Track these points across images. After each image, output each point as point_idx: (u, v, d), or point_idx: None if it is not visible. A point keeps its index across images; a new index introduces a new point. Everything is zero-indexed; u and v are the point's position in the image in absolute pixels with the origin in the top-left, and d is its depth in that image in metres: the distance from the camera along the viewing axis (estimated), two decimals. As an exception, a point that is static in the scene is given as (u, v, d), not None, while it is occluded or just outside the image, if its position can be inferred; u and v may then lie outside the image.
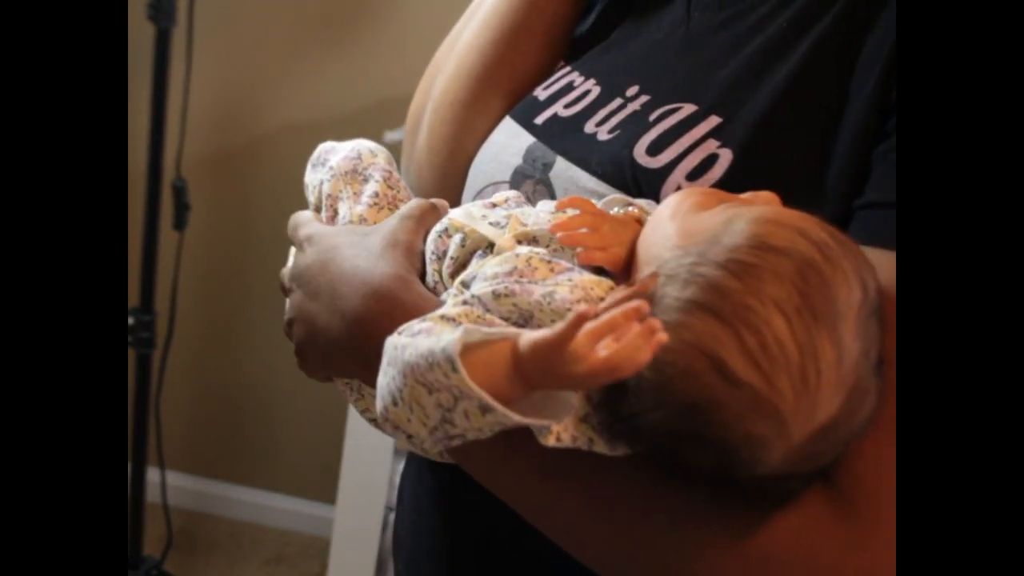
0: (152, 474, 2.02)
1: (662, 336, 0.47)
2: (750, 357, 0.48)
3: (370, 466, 1.85)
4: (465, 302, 0.57)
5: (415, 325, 0.54)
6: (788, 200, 0.55)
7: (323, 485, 2.31)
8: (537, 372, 0.50)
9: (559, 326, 0.48)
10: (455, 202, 0.75)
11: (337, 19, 2.05)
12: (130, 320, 1.86)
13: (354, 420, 1.85)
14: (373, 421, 0.69)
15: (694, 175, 0.62)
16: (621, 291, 0.55)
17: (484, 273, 0.59)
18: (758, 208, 0.54)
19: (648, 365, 0.47)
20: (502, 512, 0.62)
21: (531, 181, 0.71)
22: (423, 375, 0.51)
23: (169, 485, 2.08)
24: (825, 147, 0.59)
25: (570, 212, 0.62)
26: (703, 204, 0.56)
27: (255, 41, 2.12)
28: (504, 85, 0.79)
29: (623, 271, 0.59)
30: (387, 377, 0.53)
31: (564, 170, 0.68)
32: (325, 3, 2.05)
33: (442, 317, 0.55)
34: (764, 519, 0.52)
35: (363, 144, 0.78)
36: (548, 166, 0.70)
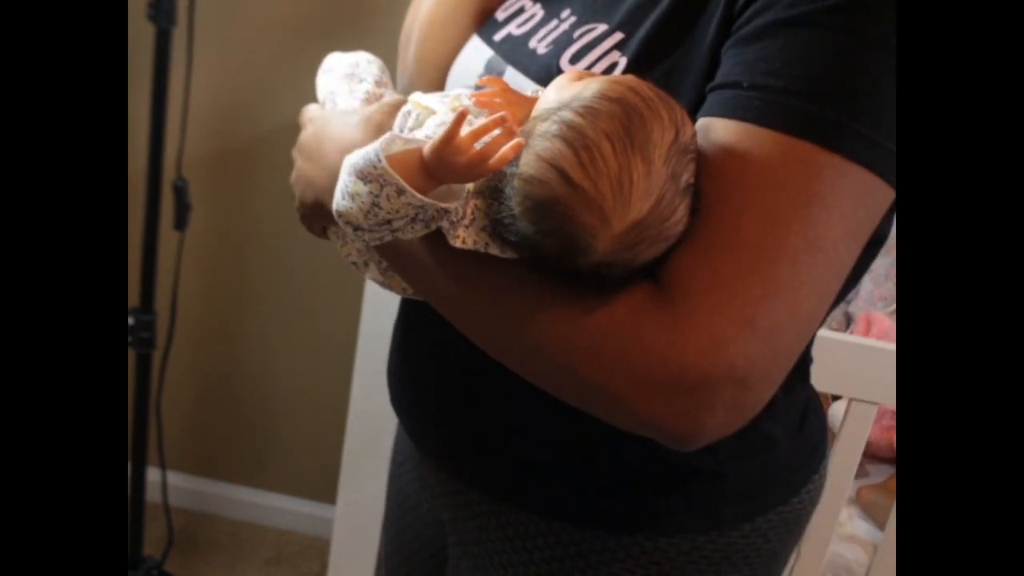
0: (152, 474, 2.02)
1: (520, 140, 0.68)
2: (584, 168, 0.66)
3: (370, 466, 1.85)
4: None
5: (360, 149, 0.72)
6: (664, 91, 0.71)
7: (323, 485, 2.31)
8: (434, 164, 0.69)
9: (447, 124, 0.67)
10: None
11: (337, 19, 2.05)
12: (130, 320, 1.86)
13: (354, 420, 1.85)
14: (354, 265, 0.90)
15: None
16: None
17: (425, 125, 0.79)
18: (609, 76, 0.73)
19: (517, 176, 0.68)
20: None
21: None
22: (360, 170, 0.70)
23: (169, 485, 2.08)
24: (694, 53, 0.77)
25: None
26: (576, 78, 0.75)
27: (255, 41, 2.12)
28: (477, 7, 0.99)
29: None
30: (341, 181, 0.72)
31: (512, 77, 0.88)
32: (325, 3, 2.05)
33: None
34: (603, 302, 0.69)
35: (362, 55, 1.00)
36: (501, 74, 0.89)
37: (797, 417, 0.95)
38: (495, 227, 0.72)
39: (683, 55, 0.78)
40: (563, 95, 0.72)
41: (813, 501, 0.99)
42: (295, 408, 2.34)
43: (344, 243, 0.90)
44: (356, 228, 0.73)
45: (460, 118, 0.68)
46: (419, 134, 0.78)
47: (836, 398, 1.79)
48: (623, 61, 0.80)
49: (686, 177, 0.68)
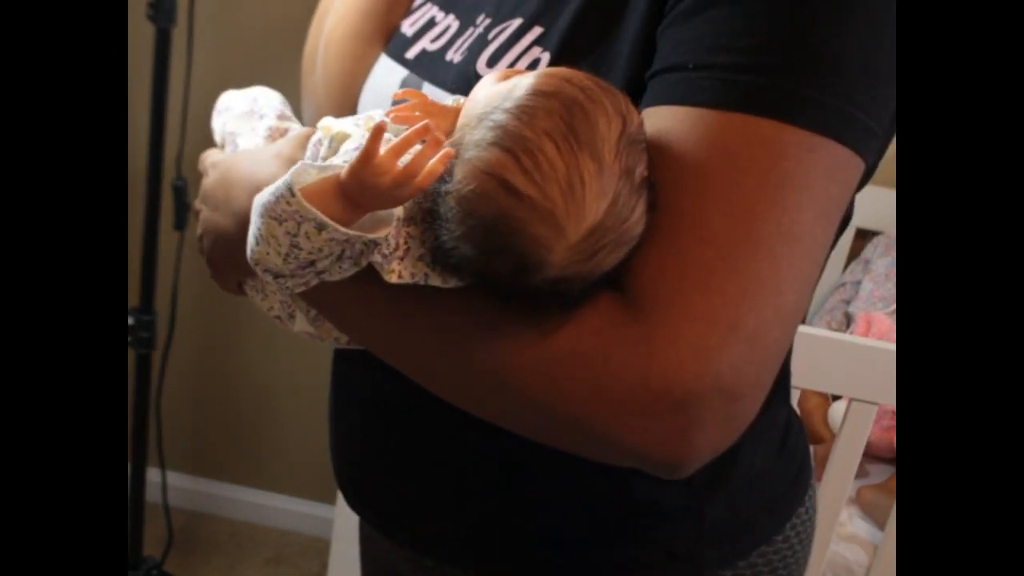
0: (152, 474, 2.02)
1: (450, 150, 0.61)
2: (528, 175, 0.59)
3: (370, 466, 1.84)
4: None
5: (270, 186, 0.64)
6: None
7: (323, 485, 2.31)
8: (355, 190, 0.61)
9: (364, 143, 0.60)
10: None
11: (337, 19, 2.05)
12: (130, 320, 1.86)
13: (354, 420, 1.85)
14: (277, 319, 0.81)
15: None
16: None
17: (340, 152, 0.71)
18: (539, 70, 0.66)
19: (453, 193, 0.61)
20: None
21: None
22: (272, 208, 0.62)
23: (169, 485, 2.08)
24: (621, 40, 0.70)
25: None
26: (504, 76, 0.68)
27: (255, 41, 2.11)
28: (385, 20, 0.91)
29: None
30: (253, 225, 0.64)
31: (431, 93, 0.79)
32: (325, 3, 2.05)
33: None
34: (565, 322, 0.63)
35: (259, 90, 0.93)
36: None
37: (777, 438, 0.87)
38: (434, 254, 0.65)
39: (612, 43, 0.71)
40: (491, 98, 0.65)
41: (802, 543, 0.89)
42: (295, 408, 2.34)
43: (264, 296, 0.81)
44: (277, 275, 0.66)
45: (377, 133, 0.60)
46: (335, 161, 0.69)
47: (836, 398, 1.79)
48: (546, 56, 0.73)
49: (640, 171, 0.62)
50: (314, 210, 0.61)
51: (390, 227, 0.64)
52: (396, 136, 0.68)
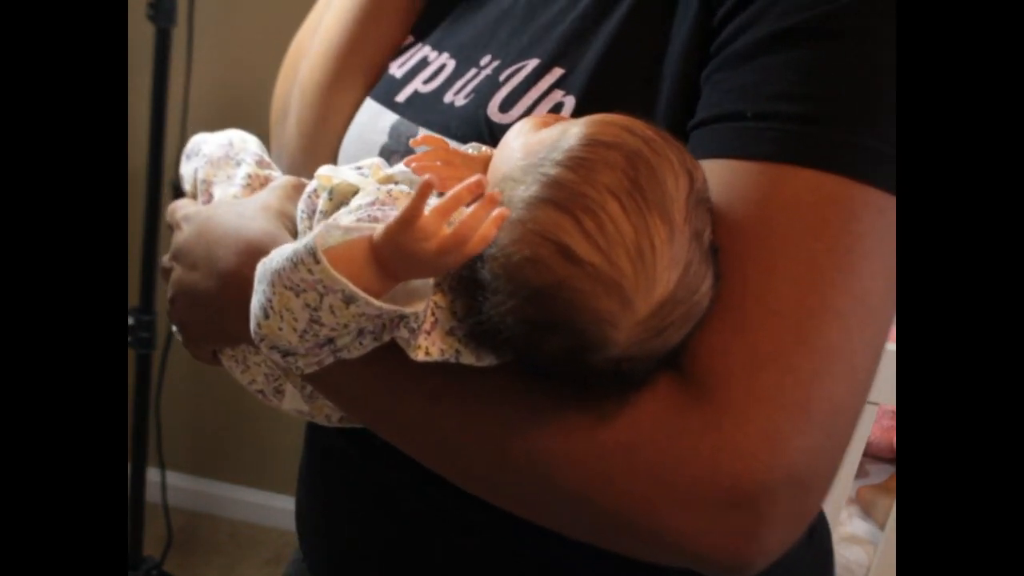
0: (152, 474, 2.02)
1: (504, 210, 0.52)
2: (590, 238, 0.52)
3: (370, 466, 1.84)
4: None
5: (282, 248, 0.57)
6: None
7: (323, 485, 2.31)
8: (392, 257, 0.53)
9: (406, 202, 0.52)
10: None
11: (337, 19, 2.05)
12: (130, 320, 1.86)
13: (354, 420, 1.85)
14: (260, 393, 0.72)
15: None
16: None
17: (348, 208, 0.62)
18: (590, 116, 0.58)
19: (500, 258, 0.52)
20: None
21: (397, 155, 0.73)
22: (289, 277, 0.53)
23: (169, 485, 2.08)
24: (657, 82, 0.63)
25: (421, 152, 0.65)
26: (543, 124, 0.60)
27: (255, 41, 2.11)
28: (366, 62, 0.81)
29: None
30: (257, 295, 0.56)
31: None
32: (325, 3, 2.05)
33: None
34: (621, 408, 0.55)
35: (234, 133, 0.82)
36: (413, 138, 0.72)
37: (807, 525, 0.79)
38: (469, 329, 0.56)
39: (647, 86, 0.63)
40: (533, 147, 0.57)
41: None
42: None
43: (245, 368, 0.71)
44: (286, 353, 0.57)
45: (424, 191, 0.52)
46: (344, 219, 0.60)
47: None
48: (569, 101, 0.65)
49: (707, 234, 0.55)
50: (343, 279, 0.52)
51: (426, 298, 0.55)
52: (408, 184, 0.63)
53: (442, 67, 0.75)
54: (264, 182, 0.76)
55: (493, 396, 0.58)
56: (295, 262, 0.53)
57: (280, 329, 0.55)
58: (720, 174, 0.57)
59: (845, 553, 1.58)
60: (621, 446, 0.55)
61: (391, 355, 0.57)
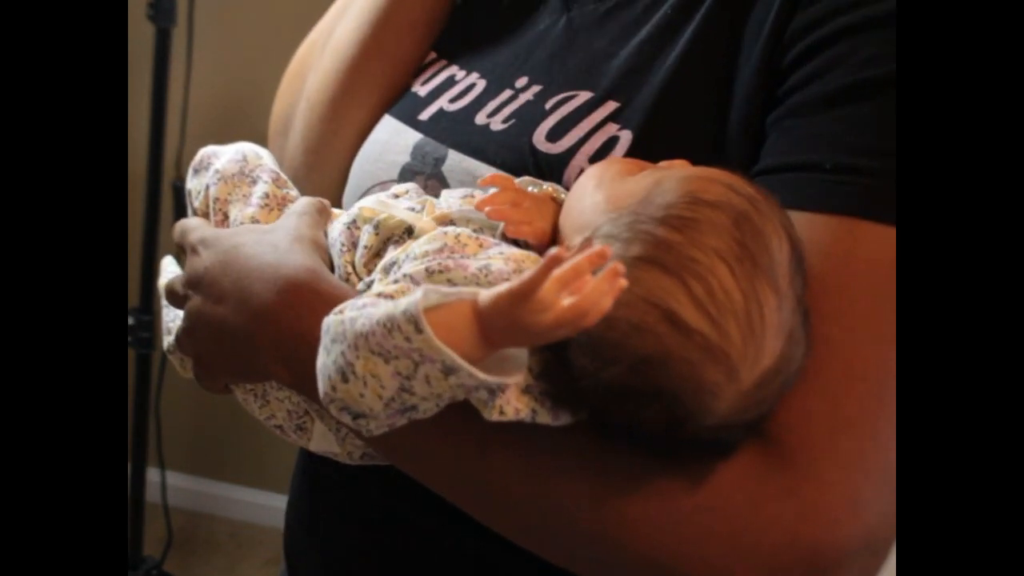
0: (152, 474, 2.02)
1: (624, 281, 0.47)
2: (699, 305, 0.49)
3: (370, 466, 1.84)
4: (396, 281, 0.57)
5: (356, 302, 0.54)
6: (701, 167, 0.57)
7: (323, 485, 2.31)
8: (501, 327, 0.49)
9: (527, 274, 0.48)
10: (336, 203, 0.75)
11: (337, 19, 2.05)
12: (130, 320, 1.86)
13: (354, 420, 1.85)
14: (278, 428, 0.68)
15: (596, 157, 0.63)
16: (571, 252, 0.54)
17: (412, 253, 0.58)
18: (683, 168, 0.56)
19: (601, 323, 0.48)
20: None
21: (421, 177, 0.70)
22: (379, 343, 0.49)
23: (169, 485, 2.08)
24: (719, 121, 0.61)
25: (483, 193, 0.62)
26: (627, 171, 0.57)
27: (255, 41, 2.11)
28: (381, 79, 0.77)
29: (546, 246, 0.61)
30: (332, 355, 0.52)
31: (459, 162, 0.68)
32: (325, 3, 2.05)
33: (379, 295, 0.55)
34: (700, 474, 0.53)
35: (247, 147, 0.77)
36: (440, 160, 0.69)
37: None
38: (554, 390, 0.54)
39: (707, 127, 0.61)
40: (620, 198, 0.54)
41: None
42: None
43: (264, 404, 0.68)
44: (359, 416, 0.53)
45: (551, 264, 0.48)
46: (410, 266, 0.57)
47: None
48: (625, 135, 0.63)
49: (803, 298, 0.53)
50: (448, 351, 0.48)
51: (524, 367, 0.52)
52: (466, 223, 0.60)
53: (471, 86, 0.72)
54: (282, 202, 0.72)
55: (567, 457, 0.56)
56: (389, 328, 0.49)
57: (361, 396, 0.52)
58: (797, 227, 0.55)
59: (845, 553, 1.58)
60: (700, 510, 0.53)
61: (456, 411, 0.54)
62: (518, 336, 0.50)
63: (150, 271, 1.86)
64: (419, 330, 0.48)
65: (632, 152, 0.62)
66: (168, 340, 0.68)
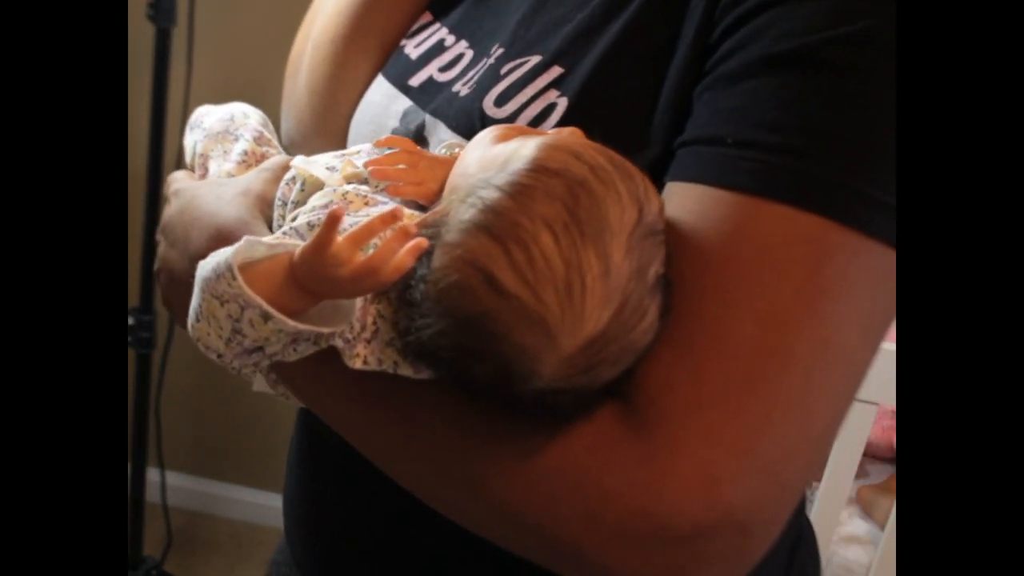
0: (152, 474, 2.02)
1: (422, 240, 0.51)
2: (518, 271, 0.50)
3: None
4: (284, 233, 0.61)
5: (224, 250, 0.56)
6: (617, 144, 0.56)
7: (323, 485, 2.31)
8: (308, 279, 0.53)
9: (318, 231, 0.52)
10: (339, 146, 0.77)
11: (337, 19, 2.05)
12: (130, 320, 1.86)
13: (354, 420, 1.85)
14: (234, 370, 0.71)
15: (534, 123, 0.64)
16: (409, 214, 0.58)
17: (305, 208, 0.63)
18: (546, 137, 0.57)
19: (431, 281, 0.52)
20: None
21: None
22: (213, 287, 0.54)
23: (169, 485, 2.08)
24: (653, 92, 0.60)
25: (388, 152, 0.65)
26: (502, 137, 0.58)
27: (255, 41, 2.12)
28: (380, 24, 0.79)
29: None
30: (195, 298, 0.56)
31: (432, 125, 0.70)
32: (325, 3, 2.06)
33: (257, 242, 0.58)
34: (555, 436, 0.54)
35: (237, 107, 0.81)
36: (421, 127, 0.71)
37: (786, 551, 0.76)
38: (405, 344, 0.56)
39: (641, 97, 0.61)
40: (484, 163, 0.56)
41: None
42: (295, 408, 2.34)
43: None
44: (218, 356, 0.58)
45: (332, 222, 0.52)
46: (301, 219, 0.61)
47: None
48: (562, 102, 0.63)
49: (655, 268, 0.53)
50: (257, 298, 0.52)
51: (348, 319, 0.55)
52: (374, 191, 0.62)
53: (460, 56, 0.73)
54: (260, 159, 0.75)
55: (429, 413, 0.58)
56: (218, 274, 0.53)
57: (208, 334, 0.56)
58: (693, 200, 0.55)
59: (845, 553, 1.58)
60: (553, 472, 0.54)
61: (333, 355, 0.56)
62: (325, 287, 0.53)
63: (150, 271, 1.86)
64: (234, 277, 0.53)
65: (565, 119, 0.63)
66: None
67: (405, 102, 0.74)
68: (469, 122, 0.66)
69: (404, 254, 0.51)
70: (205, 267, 0.55)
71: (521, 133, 0.59)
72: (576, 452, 0.54)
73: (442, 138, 0.68)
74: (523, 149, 0.54)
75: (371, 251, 0.53)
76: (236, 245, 0.53)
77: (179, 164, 1.90)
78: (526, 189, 0.52)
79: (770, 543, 0.55)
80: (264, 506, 2.42)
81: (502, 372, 0.52)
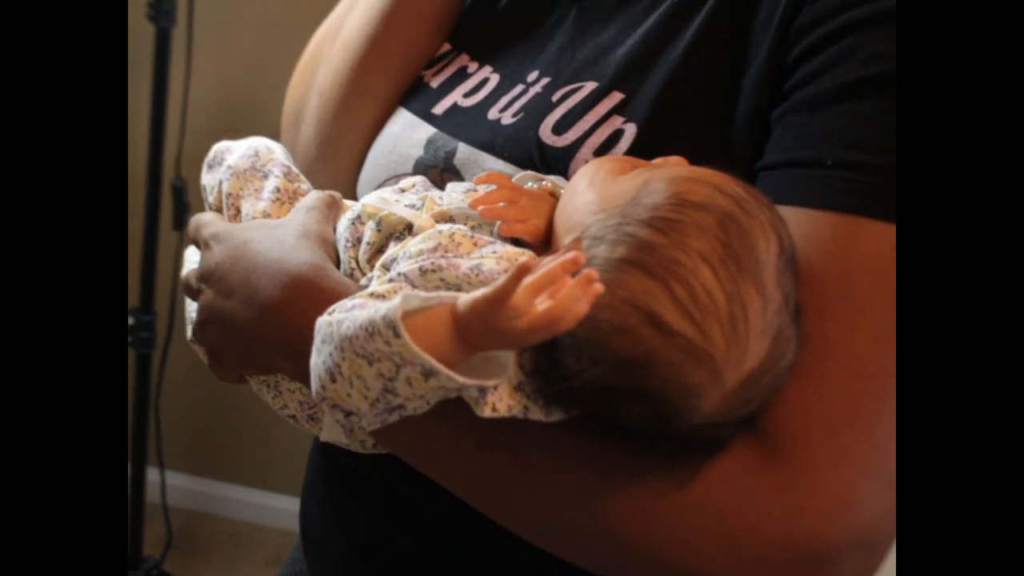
0: (152, 474, 2.02)
1: (599, 286, 0.48)
2: (681, 308, 0.50)
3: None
4: (391, 280, 0.58)
5: (346, 303, 0.55)
6: (694, 166, 0.57)
7: (323, 485, 2.31)
8: (478, 331, 0.50)
9: (499, 281, 0.49)
10: (350, 194, 0.76)
11: (337, 19, 2.05)
12: (130, 320, 1.86)
13: (354, 420, 1.85)
14: (292, 418, 0.70)
15: (601, 151, 0.64)
16: (551, 257, 0.55)
17: (408, 252, 0.59)
18: (672, 168, 0.56)
19: (583, 324, 0.49)
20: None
21: (435, 171, 0.71)
22: (363, 346, 0.51)
23: (169, 485, 2.08)
24: (725, 114, 0.60)
25: (483, 189, 0.63)
26: (618, 170, 0.57)
27: (255, 41, 2.12)
28: (394, 72, 0.78)
29: (542, 243, 0.61)
30: (322, 355, 0.54)
31: (468, 155, 0.69)
32: (325, 3, 2.05)
33: (371, 294, 0.56)
34: (694, 470, 0.54)
35: (259, 141, 0.78)
36: (451, 154, 0.70)
37: None
38: (542, 387, 0.55)
39: (712, 120, 0.61)
40: (610, 198, 0.55)
41: None
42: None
43: (278, 394, 0.70)
44: (349, 414, 0.56)
45: (519, 274, 0.49)
46: (404, 265, 0.58)
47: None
48: (630, 128, 0.63)
49: (794, 297, 0.53)
50: (425, 355, 0.49)
51: (507, 369, 0.53)
52: (465, 220, 0.60)
53: (484, 81, 0.73)
54: (294, 195, 0.73)
55: (561, 457, 0.56)
56: (371, 332, 0.50)
57: (348, 395, 0.53)
58: (797, 223, 0.55)
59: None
60: (694, 506, 0.53)
61: (452, 406, 0.55)
62: (495, 340, 0.51)
63: (150, 271, 1.86)
64: (397, 335, 0.49)
65: (636, 145, 0.62)
66: (189, 330, 0.70)
67: (429, 130, 0.73)
68: (523, 151, 0.66)
69: (583, 303, 0.48)
70: (347, 324, 0.52)
71: (634, 165, 0.58)
72: (715, 484, 0.54)
73: (487, 167, 0.67)
74: (655, 182, 0.54)
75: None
76: (393, 301, 0.50)
77: (179, 164, 1.90)
78: (675, 224, 0.51)
79: (886, 554, 0.56)
80: (264, 506, 2.41)
81: (661, 411, 0.51)
